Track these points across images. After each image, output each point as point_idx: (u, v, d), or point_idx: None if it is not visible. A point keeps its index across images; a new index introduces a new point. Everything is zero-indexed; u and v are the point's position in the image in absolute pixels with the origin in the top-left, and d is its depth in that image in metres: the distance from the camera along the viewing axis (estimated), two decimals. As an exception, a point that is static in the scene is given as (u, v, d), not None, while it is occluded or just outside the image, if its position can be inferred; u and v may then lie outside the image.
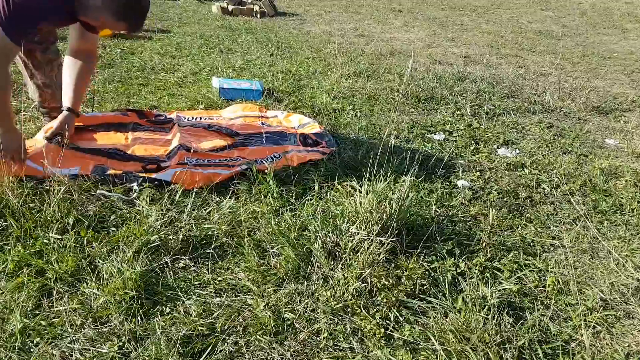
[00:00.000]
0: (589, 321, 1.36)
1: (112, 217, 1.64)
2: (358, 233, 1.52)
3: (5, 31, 1.56)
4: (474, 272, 1.51)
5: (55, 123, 1.98)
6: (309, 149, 2.28)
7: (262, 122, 2.53)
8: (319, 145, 2.33)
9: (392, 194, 1.64)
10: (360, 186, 1.72)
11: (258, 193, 1.83)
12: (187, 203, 1.70)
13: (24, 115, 2.31)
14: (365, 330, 1.28)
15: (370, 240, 1.50)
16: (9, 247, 1.43)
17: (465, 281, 1.46)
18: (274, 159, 2.15)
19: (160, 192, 1.79)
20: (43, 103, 2.17)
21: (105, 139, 2.13)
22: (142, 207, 1.68)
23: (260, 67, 3.81)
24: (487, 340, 1.21)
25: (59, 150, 1.84)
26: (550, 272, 1.57)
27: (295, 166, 2.09)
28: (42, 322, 1.22)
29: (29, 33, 1.70)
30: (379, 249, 1.49)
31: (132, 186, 1.79)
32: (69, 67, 1.97)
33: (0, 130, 1.73)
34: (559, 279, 1.53)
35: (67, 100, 1.99)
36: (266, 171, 1.90)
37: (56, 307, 1.27)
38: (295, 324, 1.29)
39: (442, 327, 1.26)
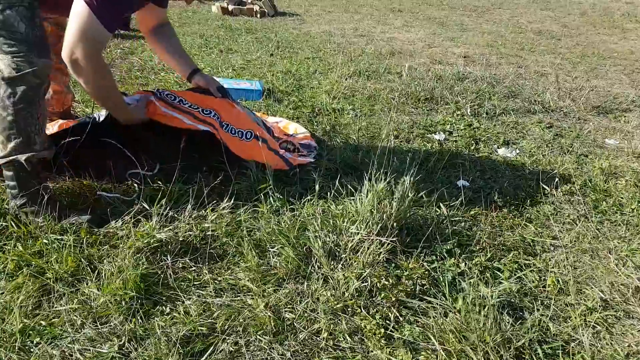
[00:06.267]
0: (588, 321, 1.36)
1: (112, 217, 1.64)
2: (358, 233, 1.52)
3: (99, 17, 1.50)
4: (474, 272, 1.51)
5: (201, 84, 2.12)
6: (281, 152, 2.13)
7: None
8: (296, 153, 2.20)
9: (392, 194, 1.64)
10: (361, 186, 1.72)
11: (258, 193, 1.83)
12: (187, 203, 1.70)
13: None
14: (365, 330, 1.28)
15: (370, 240, 1.50)
16: (9, 247, 1.43)
17: (465, 281, 1.46)
18: (246, 138, 2.03)
19: (160, 192, 1.79)
20: (47, 107, 2.17)
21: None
22: (142, 207, 1.68)
23: (260, 67, 3.82)
24: (487, 340, 1.21)
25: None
26: (550, 272, 1.57)
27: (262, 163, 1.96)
28: (42, 322, 1.22)
29: (120, 20, 1.62)
30: (379, 249, 1.49)
31: (155, 165, 1.90)
32: (162, 42, 2.04)
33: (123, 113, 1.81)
34: (559, 279, 1.53)
35: (186, 67, 2.11)
36: (247, 164, 1.94)
37: (56, 307, 1.28)
38: (295, 324, 1.29)
39: (442, 327, 1.26)
